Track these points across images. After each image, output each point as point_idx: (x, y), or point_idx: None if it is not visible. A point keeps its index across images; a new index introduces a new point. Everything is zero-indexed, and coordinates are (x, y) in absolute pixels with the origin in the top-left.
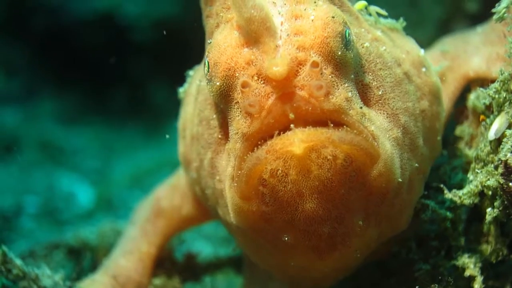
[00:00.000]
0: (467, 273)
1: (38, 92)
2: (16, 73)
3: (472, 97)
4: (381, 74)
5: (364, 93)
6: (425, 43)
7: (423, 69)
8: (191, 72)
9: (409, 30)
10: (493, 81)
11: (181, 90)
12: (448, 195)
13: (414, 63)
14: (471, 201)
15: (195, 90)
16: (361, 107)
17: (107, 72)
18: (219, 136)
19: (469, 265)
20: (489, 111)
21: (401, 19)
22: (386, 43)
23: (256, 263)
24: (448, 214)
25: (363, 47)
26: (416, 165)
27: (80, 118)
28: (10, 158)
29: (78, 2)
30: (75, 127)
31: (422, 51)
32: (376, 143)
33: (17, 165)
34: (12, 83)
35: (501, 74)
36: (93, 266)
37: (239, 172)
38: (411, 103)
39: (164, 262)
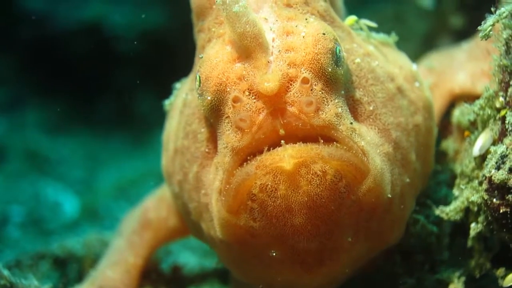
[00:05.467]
0: (451, 287)
1: (24, 102)
2: (2, 82)
3: (456, 113)
4: (372, 89)
5: (355, 109)
6: (411, 58)
7: (416, 84)
8: (178, 85)
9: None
10: (478, 97)
11: (166, 102)
12: (436, 211)
13: (407, 78)
14: (458, 217)
15: (181, 104)
16: (351, 123)
17: (93, 82)
18: (206, 150)
19: (453, 279)
20: (474, 127)
21: (393, 34)
22: (379, 58)
23: (240, 278)
24: (435, 229)
25: (354, 63)
26: (408, 180)
27: (66, 128)
28: None
29: (64, 12)
30: (61, 137)
31: (414, 66)
32: (366, 159)
33: (3, 174)
34: None
35: (486, 91)
36: (79, 277)
37: (227, 186)
38: (404, 118)
39: (151, 273)
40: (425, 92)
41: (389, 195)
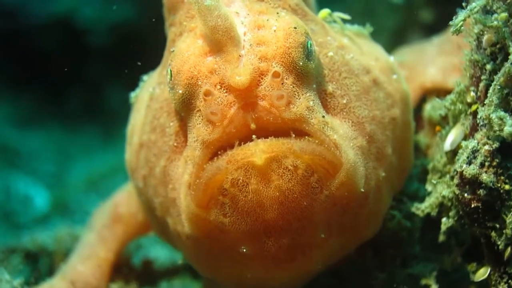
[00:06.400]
0: (423, 281)
1: None
2: None
3: (428, 107)
4: (346, 82)
5: (328, 102)
6: None
7: (394, 76)
8: (145, 77)
9: None
10: (449, 91)
11: (132, 95)
12: (411, 208)
13: (383, 70)
14: (434, 213)
15: (148, 97)
16: (323, 116)
17: (63, 75)
18: (175, 144)
19: (425, 273)
20: (445, 122)
21: (368, 25)
22: (353, 50)
23: (206, 276)
24: (408, 224)
25: (327, 57)
26: (384, 174)
27: (36, 121)
28: None
29: (34, 5)
30: (31, 131)
31: (391, 57)
32: (338, 152)
33: None
34: None
35: (457, 86)
36: (50, 271)
37: (197, 180)
38: (379, 111)
39: (122, 268)
40: (402, 85)
41: (363, 189)
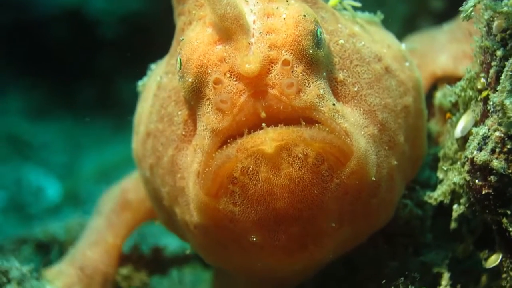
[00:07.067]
0: (435, 269)
1: (5, 87)
2: None
3: (438, 95)
4: (357, 70)
5: (339, 90)
6: None
7: (406, 64)
8: (153, 66)
9: None
10: (459, 79)
11: (140, 83)
12: (424, 197)
13: (396, 58)
14: (447, 202)
15: (155, 86)
16: (334, 104)
17: (75, 67)
18: (183, 133)
19: (437, 261)
20: (456, 108)
21: (379, 13)
22: (365, 38)
23: (215, 265)
24: (420, 212)
25: (338, 45)
26: (396, 162)
27: (48, 113)
28: None
29: None
30: (43, 122)
31: (403, 45)
32: (349, 140)
33: None
34: None
35: (468, 72)
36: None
37: (207, 168)
38: (391, 99)
39: (132, 255)
40: (415, 73)
41: (374, 178)
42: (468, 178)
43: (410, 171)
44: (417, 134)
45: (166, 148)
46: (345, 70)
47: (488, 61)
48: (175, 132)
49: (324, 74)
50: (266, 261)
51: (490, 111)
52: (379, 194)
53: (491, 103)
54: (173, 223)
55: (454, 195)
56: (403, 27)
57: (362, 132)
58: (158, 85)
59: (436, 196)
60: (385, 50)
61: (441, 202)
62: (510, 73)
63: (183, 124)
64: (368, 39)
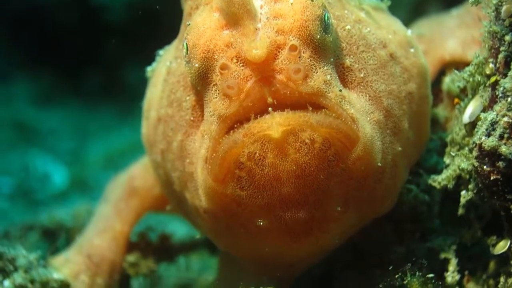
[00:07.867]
0: (442, 255)
1: (12, 73)
2: None
3: (447, 80)
4: (363, 56)
5: (345, 76)
6: None
7: (411, 50)
8: (161, 52)
9: None
10: (468, 64)
11: (149, 69)
12: (428, 180)
13: (401, 44)
14: (451, 186)
15: (165, 71)
16: (340, 90)
17: (81, 53)
18: (191, 118)
19: (444, 247)
20: (464, 94)
21: None
22: (371, 24)
23: (225, 250)
24: (426, 197)
25: (344, 30)
26: (400, 149)
27: (54, 99)
28: None
29: None
30: (49, 108)
31: (409, 31)
32: (355, 126)
33: None
34: None
35: (476, 58)
36: (68, 248)
37: (214, 154)
38: (396, 86)
39: (139, 242)
40: (420, 59)
41: (380, 164)
42: (476, 164)
43: (414, 157)
44: (421, 120)
45: (176, 133)
46: (351, 56)
47: (496, 46)
48: (183, 117)
49: (331, 59)
50: (273, 245)
51: (499, 96)
52: (383, 179)
53: (500, 88)
54: (184, 208)
55: (460, 181)
56: (411, 11)
57: (368, 118)
58: (167, 70)
59: (440, 180)
60: (391, 36)
61: (445, 186)
62: None
63: (191, 109)
64: (374, 26)
